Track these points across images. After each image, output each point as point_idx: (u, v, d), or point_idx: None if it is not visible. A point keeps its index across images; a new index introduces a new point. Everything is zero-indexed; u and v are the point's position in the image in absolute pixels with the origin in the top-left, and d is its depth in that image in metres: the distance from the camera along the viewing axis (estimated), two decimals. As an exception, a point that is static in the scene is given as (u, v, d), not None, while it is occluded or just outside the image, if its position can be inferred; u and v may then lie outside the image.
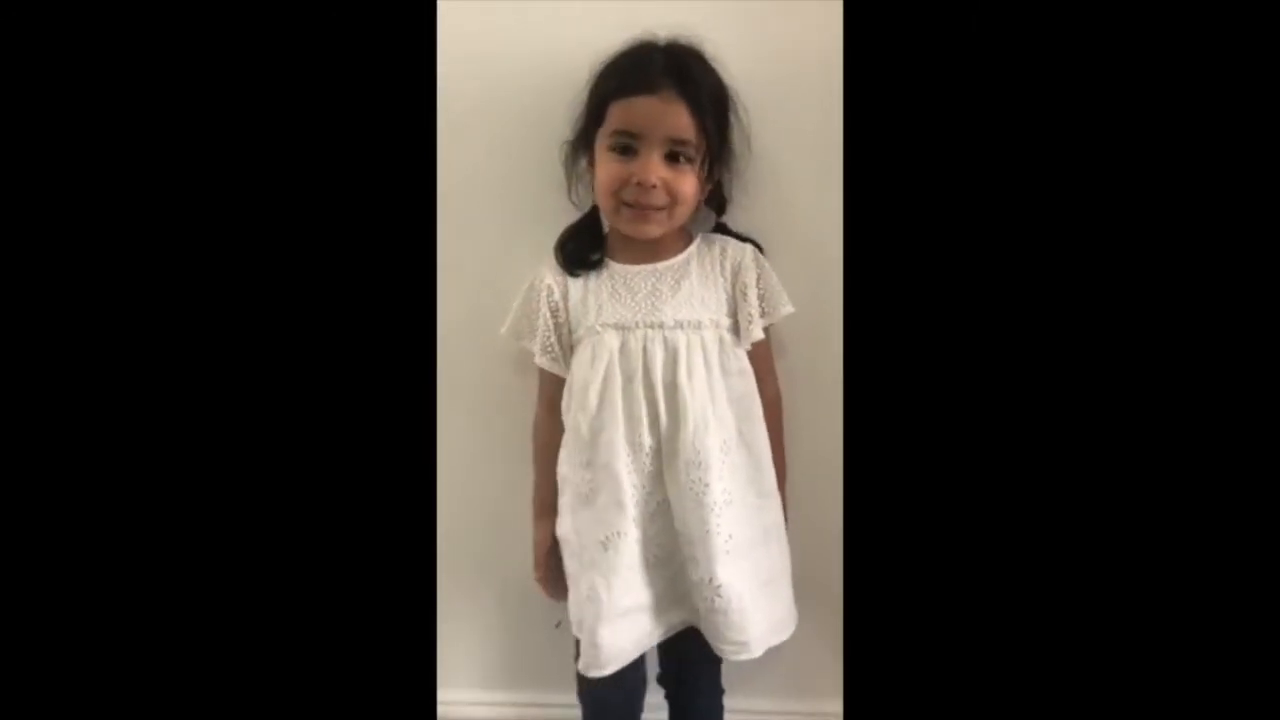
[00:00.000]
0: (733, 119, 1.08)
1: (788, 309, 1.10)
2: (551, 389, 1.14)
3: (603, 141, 1.04)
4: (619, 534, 1.03)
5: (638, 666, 1.10)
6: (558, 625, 1.24)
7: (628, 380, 1.04)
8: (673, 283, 1.08)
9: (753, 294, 1.08)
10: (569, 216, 1.15)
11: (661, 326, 1.06)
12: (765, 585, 1.08)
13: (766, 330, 1.10)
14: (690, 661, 1.17)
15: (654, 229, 1.05)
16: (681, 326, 1.06)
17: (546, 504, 1.15)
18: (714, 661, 1.19)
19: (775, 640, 1.10)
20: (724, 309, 1.09)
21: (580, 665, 1.07)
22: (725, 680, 1.22)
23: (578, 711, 1.17)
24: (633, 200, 1.02)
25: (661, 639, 1.10)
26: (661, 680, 1.23)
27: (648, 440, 1.04)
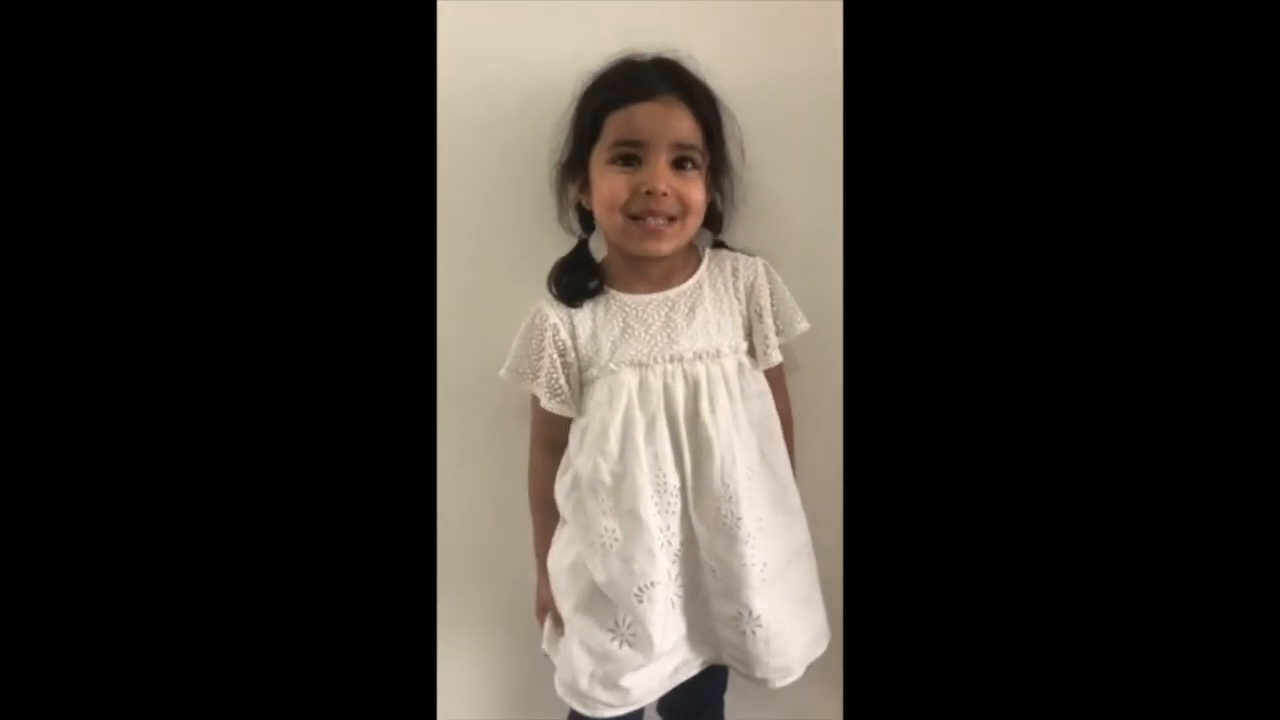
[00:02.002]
0: (726, 126, 1.04)
1: (803, 325, 1.06)
2: (549, 430, 1.08)
3: (601, 156, 0.98)
4: (652, 584, 0.98)
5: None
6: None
7: (649, 421, 0.98)
8: (687, 311, 1.03)
9: (769, 316, 1.05)
10: (564, 240, 1.09)
11: (680, 360, 1.00)
12: (800, 603, 1.06)
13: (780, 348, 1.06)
14: (693, 695, 1.13)
15: (665, 245, 0.99)
16: (701, 358, 1.00)
17: (545, 560, 1.10)
18: (717, 693, 1.17)
19: (814, 654, 1.07)
20: (740, 332, 1.05)
21: (588, 710, 1.02)
22: (726, 711, 1.19)
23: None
24: (642, 211, 0.96)
25: (684, 679, 1.06)
26: (661, 711, 1.19)
27: (673, 479, 0.99)
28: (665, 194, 0.96)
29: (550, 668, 1.09)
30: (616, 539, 0.99)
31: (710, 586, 1.02)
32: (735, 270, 1.07)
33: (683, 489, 1.00)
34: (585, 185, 1.03)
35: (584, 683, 1.01)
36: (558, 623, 1.09)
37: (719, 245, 1.11)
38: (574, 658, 1.02)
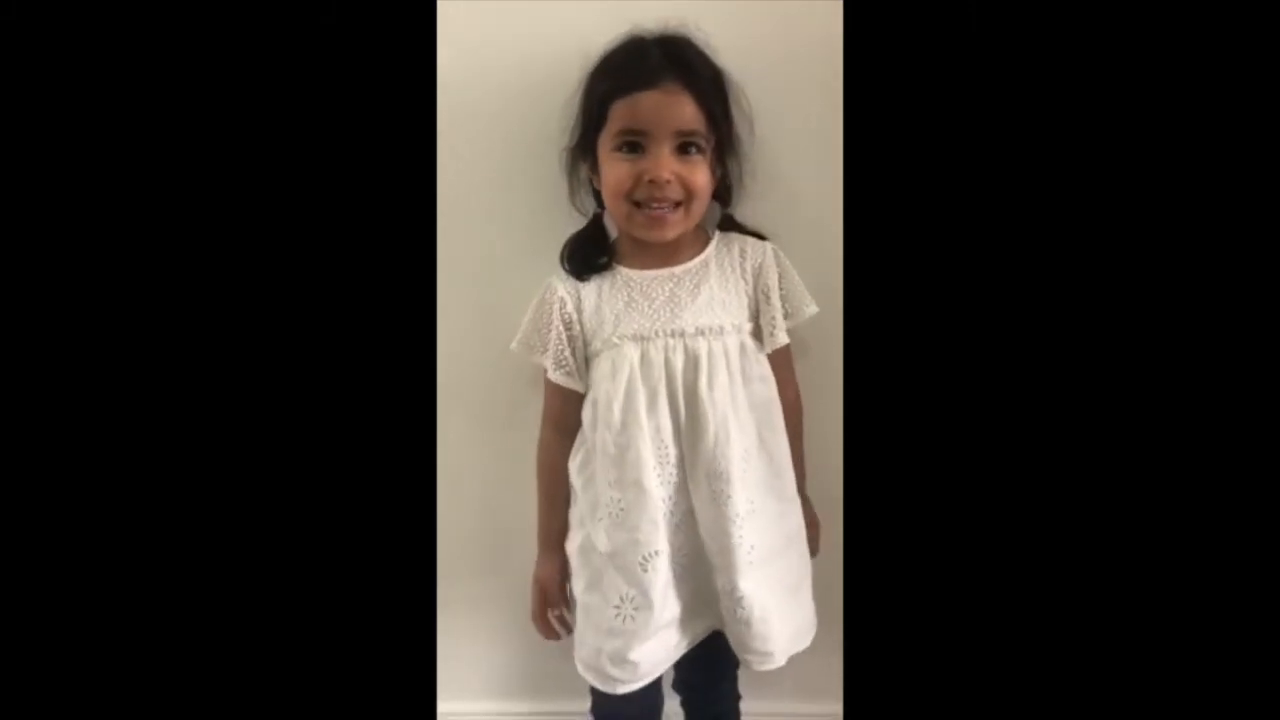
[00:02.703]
0: (733, 104, 1.04)
1: (811, 309, 1.06)
2: (559, 407, 1.10)
3: (607, 143, 1.00)
4: (656, 552, 1.00)
5: (658, 681, 1.09)
6: (570, 631, 1.23)
7: (651, 393, 1.00)
8: (691, 287, 1.04)
9: (776, 297, 1.05)
10: (573, 222, 1.11)
11: (682, 335, 1.01)
12: (788, 593, 1.07)
13: (788, 332, 1.07)
14: (707, 667, 1.15)
15: (670, 231, 1.01)
16: (702, 334, 1.01)
17: (554, 536, 1.12)
18: (731, 667, 1.18)
19: (797, 648, 1.08)
20: (745, 313, 1.05)
21: (604, 686, 1.04)
22: (739, 682, 1.21)
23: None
24: (646, 198, 0.98)
25: (689, 647, 1.08)
26: (677, 686, 1.21)
27: (673, 451, 1.01)
28: (669, 181, 0.97)
29: (563, 648, 1.11)
30: (621, 509, 1.01)
31: (709, 560, 1.04)
32: (743, 251, 1.07)
33: (681, 461, 1.02)
34: (596, 166, 1.05)
35: (594, 659, 1.04)
36: (554, 605, 1.13)
37: (728, 219, 1.12)
38: (587, 636, 1.05)
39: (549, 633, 1.15)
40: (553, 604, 1.13)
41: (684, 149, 0.99)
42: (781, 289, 1.06)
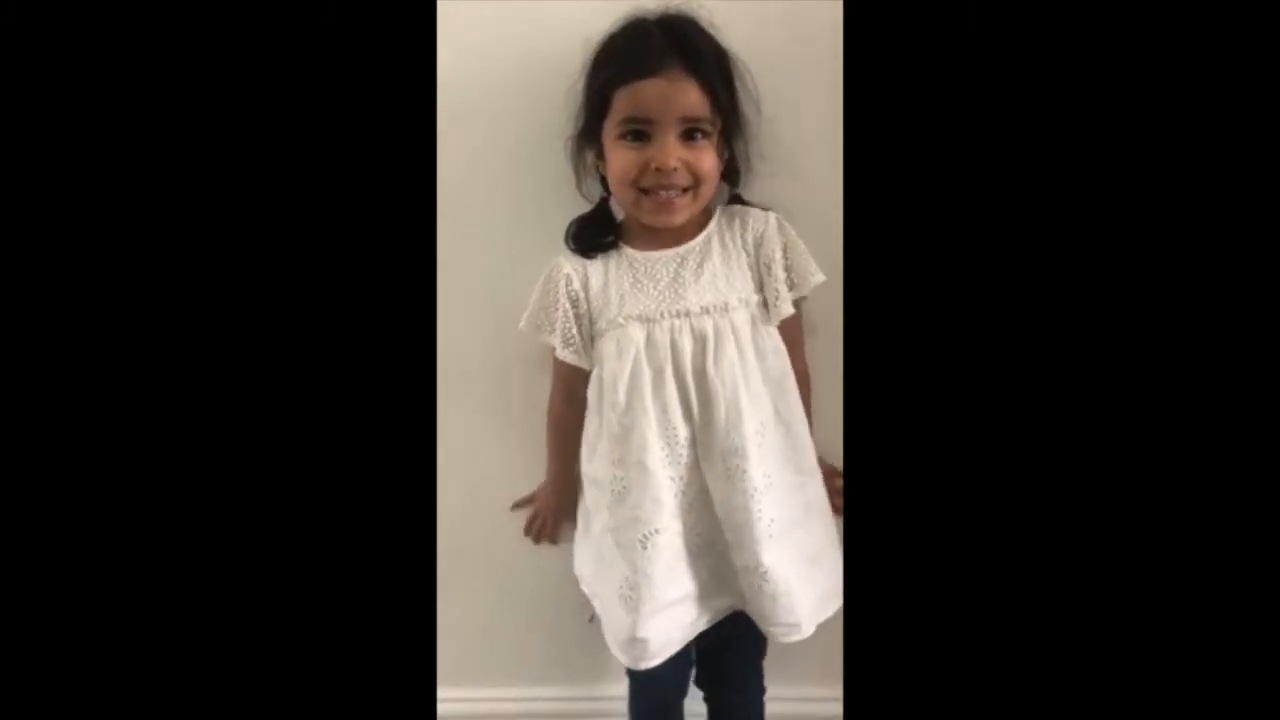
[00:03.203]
0: (739, 85, 1.04)
1: (818, 278, 1.05)
2: (569, 375, 1.11)
3: (612, 131, 1.00)
4: (656, 530, 1.00)
5: (685, 650, 1.09)
6: (590, 619, 1.22)
7: (656, 374, 1.01)
8: (695, 266, 1.04)
9: (778, 267, 1.04)
10: (579, 209, 1.11)
11: (688, 315, 1.02)
12: (808, 562, 1.06)
13: (796, 303, 1.06)
14: (730, 660, 1.15)
15: (679, 217, 1.01)
16: (708, 312, 1.02)
17: (558, 475, 1.18)
18: (755, 657, 1.18)
19: (824, 615, 1.07)
20: (750, 286, 1.05)
21: (626, 660, 1.05)
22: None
23: (605, 705, 1.18)
24: (652, 185, 0.98)
25: (708, 625, 1.08)
26: (699, 681, 1.20)
27: (682, 431, 1.01)
28: (676, 168, 0.98)
29: (583, 634, 1.14)
30: (624, 486, 1.02)
31: (726, 537, 1.04)
32: (745, 223, 1.07)
33: (693, 440, 1.02)
34: (601, 153, 1.05)
35: (615, 636, 1.05)
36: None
37: (736, 200, 1.11)
38: (607, 615, 1.07)
39: (539, 537, 1.25)
40: (544, 522, 1.24)
41: (690, 135, 0.99)
42: (786, 259, 1.05)
